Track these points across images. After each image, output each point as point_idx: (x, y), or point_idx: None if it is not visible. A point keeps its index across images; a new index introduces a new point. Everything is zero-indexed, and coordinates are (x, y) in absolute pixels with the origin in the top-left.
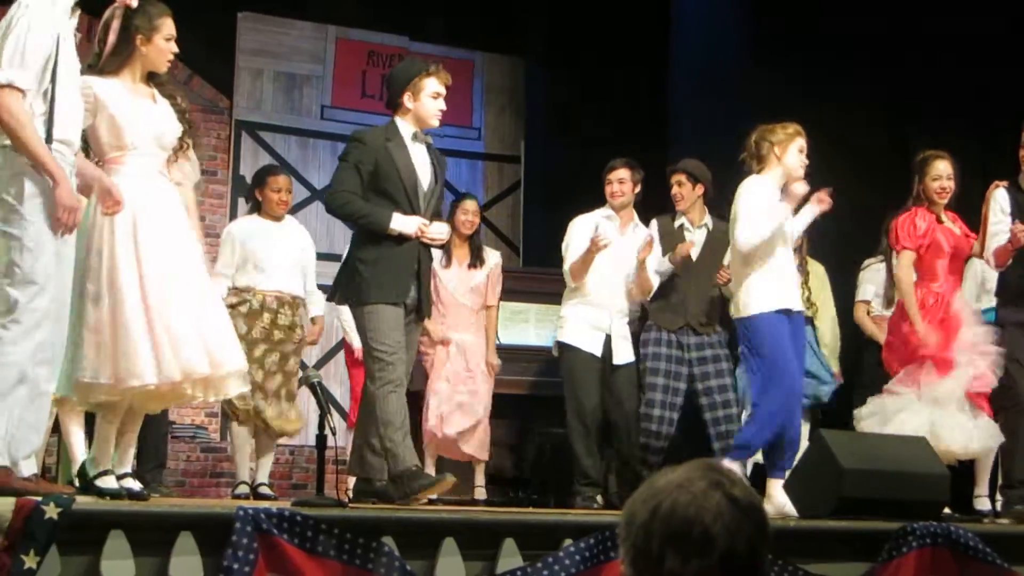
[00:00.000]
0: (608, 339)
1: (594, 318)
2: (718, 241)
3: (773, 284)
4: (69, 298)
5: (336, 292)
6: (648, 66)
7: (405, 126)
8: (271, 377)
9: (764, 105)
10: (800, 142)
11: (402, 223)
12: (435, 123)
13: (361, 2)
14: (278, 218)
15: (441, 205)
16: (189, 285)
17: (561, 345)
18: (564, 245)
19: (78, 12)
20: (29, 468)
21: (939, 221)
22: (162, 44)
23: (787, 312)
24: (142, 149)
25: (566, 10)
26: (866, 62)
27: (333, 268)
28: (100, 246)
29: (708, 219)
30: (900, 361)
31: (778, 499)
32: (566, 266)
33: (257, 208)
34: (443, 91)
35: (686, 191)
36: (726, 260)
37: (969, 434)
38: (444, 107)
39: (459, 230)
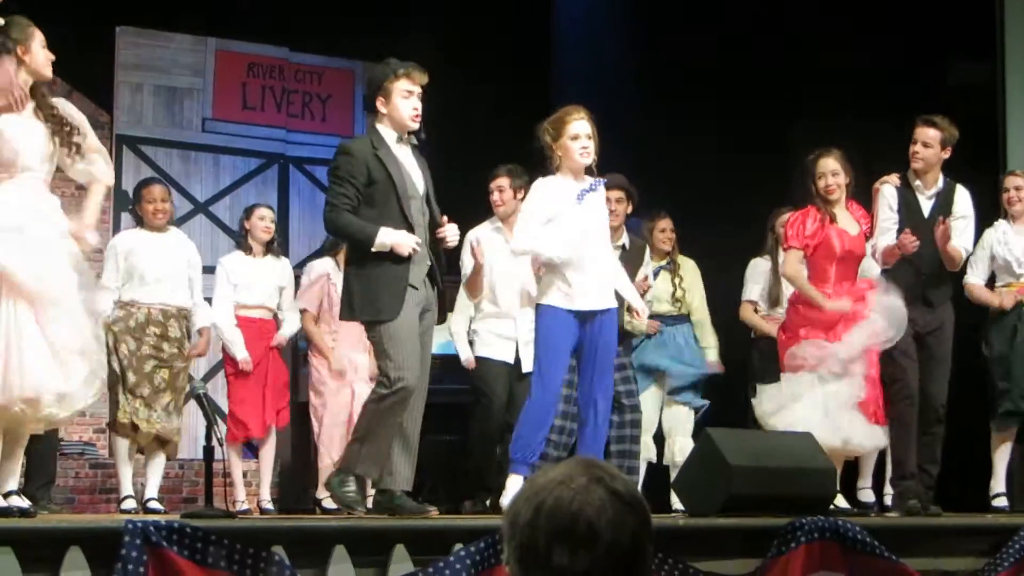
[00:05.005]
0: (516, 346)
1: (501, 328)
2: (632, 255)
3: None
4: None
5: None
6: (532, 74)
7: (387, 131)
8: (160, 394)
9: (647, 113)
10: (574, 128)
11: (389, 239)
12: (414, 125)
13: (240, 14)
14: (160, 229)
15: (434, 208)
16: (53, 306)
17: (476, 358)
18: (461, 262)
19: None
20: None
21: (832, 221)
22: (39, 50)
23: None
24: (33, 170)
25: (450, 16)
26: (743, 63)
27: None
28: None
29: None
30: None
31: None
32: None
33: (140, 222)
34: (417, 89)
35: (622, 208)
36: (641, 275)
37: (865, 431)
38: (419, 106)
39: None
